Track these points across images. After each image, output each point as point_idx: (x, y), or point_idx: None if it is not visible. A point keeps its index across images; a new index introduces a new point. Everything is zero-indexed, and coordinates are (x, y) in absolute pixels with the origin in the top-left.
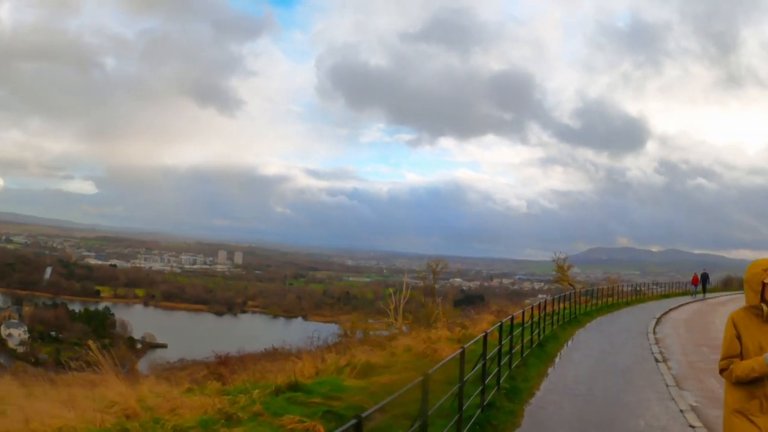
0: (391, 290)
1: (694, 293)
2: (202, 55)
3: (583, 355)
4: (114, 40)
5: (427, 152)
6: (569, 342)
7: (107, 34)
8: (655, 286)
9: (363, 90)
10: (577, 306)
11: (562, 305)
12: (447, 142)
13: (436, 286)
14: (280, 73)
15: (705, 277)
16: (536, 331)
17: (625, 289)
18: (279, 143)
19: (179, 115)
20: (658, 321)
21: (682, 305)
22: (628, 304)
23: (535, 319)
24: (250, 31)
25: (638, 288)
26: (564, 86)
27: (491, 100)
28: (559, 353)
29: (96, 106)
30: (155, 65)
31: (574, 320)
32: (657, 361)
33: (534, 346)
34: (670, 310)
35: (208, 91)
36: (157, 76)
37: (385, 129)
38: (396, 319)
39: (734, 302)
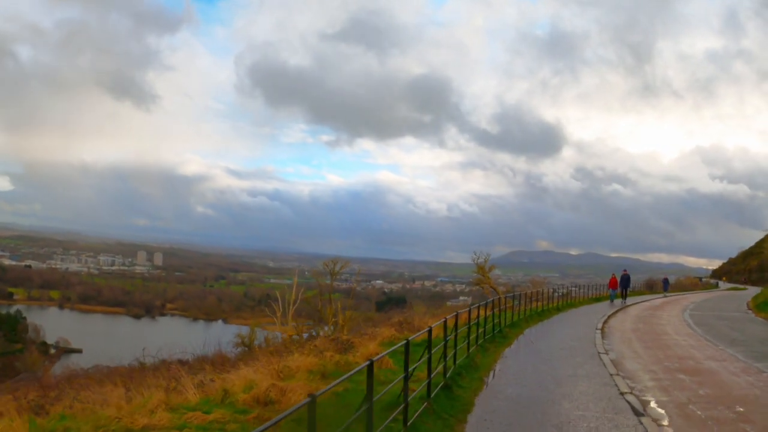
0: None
1: (612, 298)
2: (119, 48)
3: (514, 403)
4: (29, 28)
5: (348, 153)
6: (491, 375)
7: (22, 22)
8: (577, 289)
9: (282, 89)
10: (501, 313)
11: (483, 312)
12: (366, 144)
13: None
14: (199, 69)
15: (626, 280)
16: (448, 357)
17: (550, 292)
18: (198, 141)
19: (95, 109)
20: (603, 332)
21: (618, 310)
22: (558, 309)
23: (449, 334)
24: (168, 25)
25: (565, 290)
26: (483, 91)
27: (409, 102)
28: (474, 401)
29: (10, 97)
30: (71, 56)
31: (499, 334)
32: (636, 412)
33: (437, 389)
34: (609, 317)
35: (124, 84)
36: (73, 67)
37: (305, 129)
38: (283, 325)
39: (671, 305)
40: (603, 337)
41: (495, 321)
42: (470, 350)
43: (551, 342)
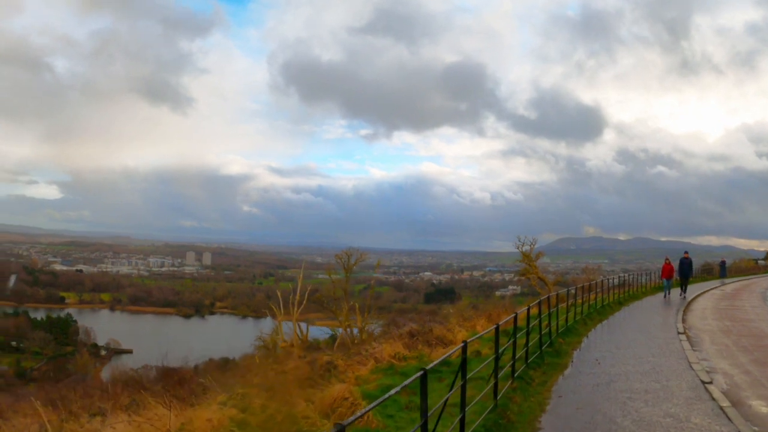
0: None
1: (665, 291)
2: (152, 54)
3: None
4: (62, 41)
5: (388, 147)
6: None
7: (55, 35)
8: (634, 277)
9: (316, 85)
10: (551, 310)
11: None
12: (403, 135)
13: (407, 280)
14: (233, 71)
15: (686, 266)
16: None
17: (606, 282)
18: (238, 141)
19: (133, 115)
20: (688, 338)
21: (690, 302)
22: (620, 303)
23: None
24: (199, 29)
25: (622, 279)
26: (518, 77)
27: (444, 91)
28: None
29: (51, 109)
30: (106, 65)
31: (550, 349)
32: None
33: None
34: (683, 312)
35: (160, 89)
36: (108, 75)
37: (343, 125)
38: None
39: (744, 292)
40: (692, 346)
41: (544, 329)
42: (512, 381)
43: (623, 358)
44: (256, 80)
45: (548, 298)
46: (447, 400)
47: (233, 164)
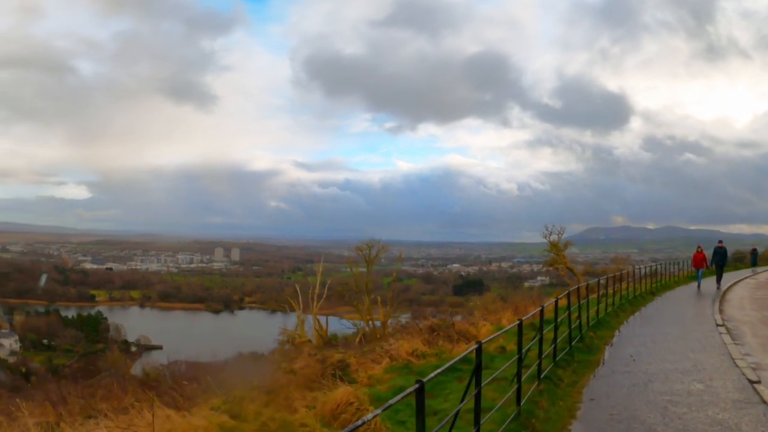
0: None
1: (699, 281)
2: (175, 53)
3: None
4: (85, 43)
5: (414, 139)
6: None
7: (78, 37)
8: (665, 266)
9: (339, 80)
10: (581, 302)
11: (564, 303)
12: (429, 128)
13: (436, 272)
14: (256, 67)
15: (721, 255)
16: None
17: (636, 271)
18: (264, 137)
19: (158, 114)
20: (728, 331)
21: (726, 292)
22: (652, 293)
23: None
24: (220, 27)
25: (653, 268)
26: (541, 66)
27: (467, 82)
28: None
29: (76, 111)
30: (129, 66)
31: (580, 344)
32: None
33: None
34: (719, 302)
35: (184, 88)
36: (132, 76)
37: (368, 118)
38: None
39: None
40: (733, 340)
41: (574, 322)
42: (539, 383)
43: (660, 354)
44: (279, 76)
45: (578, 288)
46: (458, 412)
47: (259, 160)
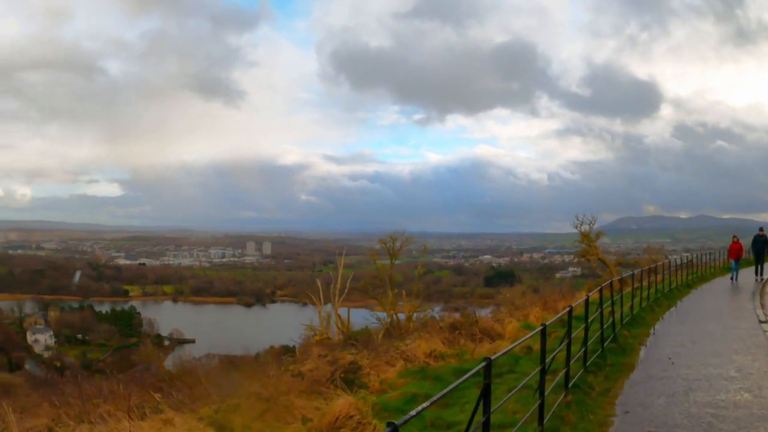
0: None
1: (732, 274)
2: (202, 51)
3: None
4: (113, 44)
5: (443, 130)
6: None
7: (106, 38)
8: (699, 256)
9: (366, 73)
10: (614, 298)
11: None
12: (457, 119)
13: (467, 264)
14: (283, 62)
15: (761, 244)
16: None
17: (672, 263)
18: (292, 132)
19: (187, 111)
20: None
21: (765, 283)
22: (688, 286)
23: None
24: (246, 23)
25: (687, 259)
26: (569, 54)
27: (495, 72)
28: None
29: (107, 110)
30: (157, 64)
31: (613, 344)
32: None
33: None
34: (759, 296)
35: (211, 84)
36: (160, 74)
37: (396, 111)
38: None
39: None
40: None
41: (606, 319)
42: (566, 394)
43: (700, 356)
44: (306, 70)
45: (611, 283)
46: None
47: (289, 154)
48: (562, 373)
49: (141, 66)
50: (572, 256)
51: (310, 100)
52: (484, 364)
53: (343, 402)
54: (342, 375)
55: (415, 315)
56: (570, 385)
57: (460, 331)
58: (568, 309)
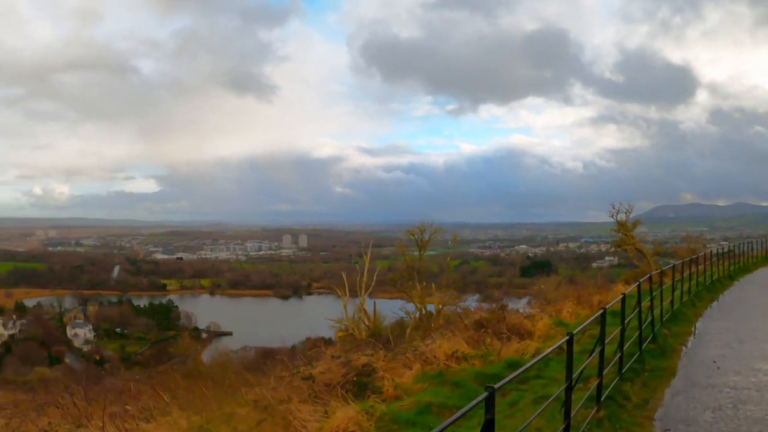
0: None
1: None
2: (233, 47)
3: None
4: (146, 43)
5: (477, 120)
6: None
7: (138, 38)
8: (741, 245)
9: (397, 64)
10: (653, 293)
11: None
12: (489, 108)
13: (502, 254)
14: (314, 56)
15: None
16: None
17: (713, 252)
18: (326, 124)
19: (221, 107)
20: None
21: None
22: (731, 277)
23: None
24: (276, 18)
25: (728, 248)
26: (601, 40)
27: (527, 60)
28: None
29: (141, 108)
30: (189, 62)
31: (652, 345)
32: None
33: None
34: None
35: (244, 80)
36: (192, 72)
37: (429, 101)
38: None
39: None
40: None
41: (645, 318)
42: (598, 408)
43: (749, 359)
44: (337, 63)
45: (650, 277)
46: None
47: (323, 147)
48: (594, 384)
49: (173, 64)
50: (609, 246)
51: (343, 93)
52: (485, 395)
53: (342, 416)
54: (355, 378)
55: (446, 307)
56: (603, 397)
57: (487, 328)
58: (601, 311)
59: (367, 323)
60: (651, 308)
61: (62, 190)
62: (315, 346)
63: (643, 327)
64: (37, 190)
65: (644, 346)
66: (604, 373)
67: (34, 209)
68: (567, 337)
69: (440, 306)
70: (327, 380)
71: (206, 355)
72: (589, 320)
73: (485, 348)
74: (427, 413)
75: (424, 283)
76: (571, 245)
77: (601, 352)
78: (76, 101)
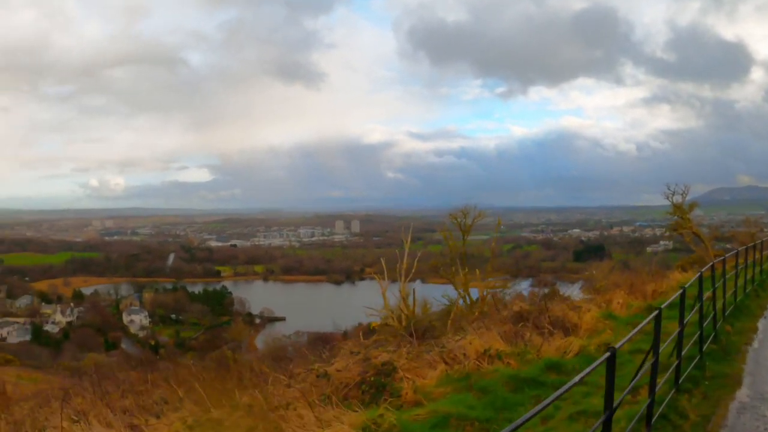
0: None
1: None
2: (279, 36)
3: None
4: (193, 36)
5: (526, 103)
6: None
7: (185, 31)
8: None
9: (444, 48)
10: (718, 282)
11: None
12: (539, 90)
13: (555, 238)
14: (361, 42)
15: None
16: None
17: None
18: (375, 110)
19: (270, 96)
20: None
21: None
22: None
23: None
24: (321, 6)
25: None
26: (652, 18)
27: (576, 40)
28: None
29: (192, 99)
30: (237, 53)
31: (715, 345)
32: None
33: None
34: None
35: (291, 68)
36: (241, 62)
37: (478, 85)
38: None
39: None
40: None
41: (707, 314)
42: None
43: None
44: (384, 49)
45: (712, 266)
46: None
47: (373, 133)
48: (644, 404)
49: (221, 55)
50: (664, 230)
51: (391, 78)
52: None
53: (339, 429)
54: (372, 378)
55: (490, 293)
56: (655, 417)
57: (527, 321)
58: (657, 312)
59: (405, 312)
60: (713, 301)
61: (118, 181)
62: (368, 330)
63: (705, 324)
64: (94, 182)
65: (705, 347)
66: (656, 390)
67: (91, 200)
68: (607, 354)
69: (485, 293)
70: (344, 379)
71: (259, 341)
72: (641, 325)
73: (524, 344)
74: (443, 427)
75: (467, 269)
76: (625, 229)
77: (654, 364)
78: (127, 95)
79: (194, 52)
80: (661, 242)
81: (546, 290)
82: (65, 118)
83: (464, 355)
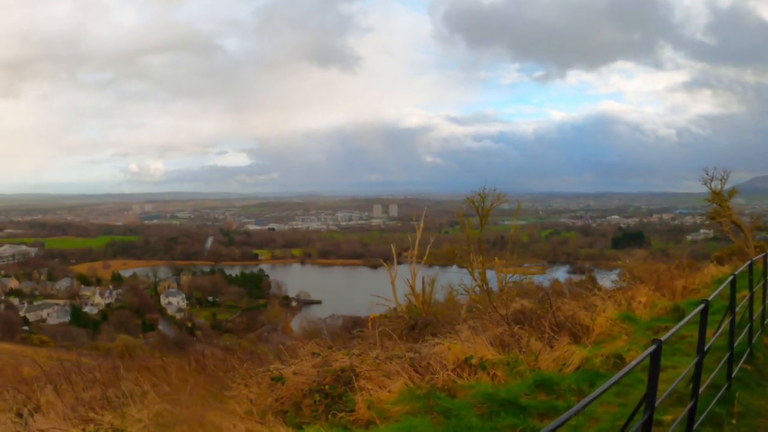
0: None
1: None
2: (314, 21)
3: None
4: (227, 23)
5: (564, 87)
6: None
7: (219, 18)
8: None
9: (480, 31)
10: (756, 286)
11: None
12: (579, 75)
13: (594, 224)
14: (396, 26)
15: None
16: None
17: None
18: (413, 94)
19: (306, 80)
20: None
21: None
22: None
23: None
24: None
25: None
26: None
27: (613, 22)
28: None
29: (229, 85)
30: (272, 38)
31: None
32: None
33: None
34: None
35: (327, 53)
36: (277, 47)
37: (516, 69)
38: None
39: None
40: None
41: (740, 328)
42: None
43: None
44: (420, 33)
45: (750, 264)
46: None
47: (411, 116)
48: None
49: (257, 41)
50: (704, 218)
51: (428, 62)
52: None
53: None
54: (328, 386)
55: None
56: None
57: (529, 323)
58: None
59: (414, 301)
60: (750, 309)
61: (157, 166)
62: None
63: (736, 343)
64: (133, 166)
65: (735, 372)
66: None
67: (131, 185)
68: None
69: (504, 281)
70: (300, 384)
71: (295, 323)
72: (668, 333)
73: (518, 352)
74: None
75: (482, 256)
76: (665, 216)
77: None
78: (165, 81)
79: (230, 38)
80: (702, 230)
81: (583, 277)
82: (105, 105)
83: (440, 363)
